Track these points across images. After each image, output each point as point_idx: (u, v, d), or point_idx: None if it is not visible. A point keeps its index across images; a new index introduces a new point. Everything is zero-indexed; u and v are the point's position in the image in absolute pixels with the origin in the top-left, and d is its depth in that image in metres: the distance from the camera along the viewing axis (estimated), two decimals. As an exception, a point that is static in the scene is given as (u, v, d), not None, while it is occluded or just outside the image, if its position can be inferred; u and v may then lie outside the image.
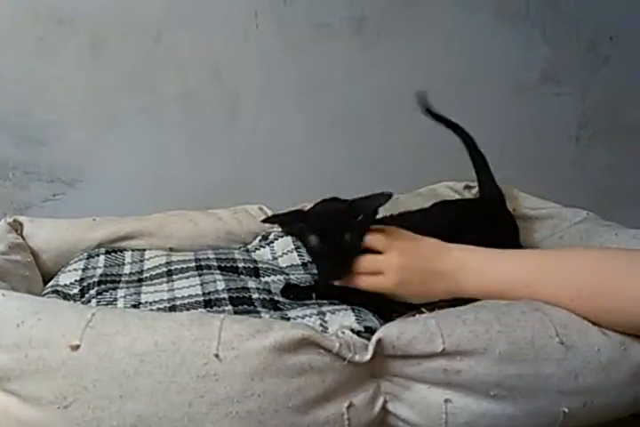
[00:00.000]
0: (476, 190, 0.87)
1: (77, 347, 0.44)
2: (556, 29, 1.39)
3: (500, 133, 1.41)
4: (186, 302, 0.59)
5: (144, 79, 1.26)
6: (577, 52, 1.40)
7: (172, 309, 0.58)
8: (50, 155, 1.25)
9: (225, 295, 0.59)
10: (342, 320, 0.55)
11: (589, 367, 0.47)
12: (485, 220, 0.71)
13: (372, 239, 0.57)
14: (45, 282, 0.73)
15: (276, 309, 0.59)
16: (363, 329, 0.52)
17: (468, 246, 0.56)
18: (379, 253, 0.57)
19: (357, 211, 0.57)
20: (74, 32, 1.21)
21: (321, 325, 0.55)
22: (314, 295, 0.62)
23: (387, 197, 0.57)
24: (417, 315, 0.52)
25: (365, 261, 0.56)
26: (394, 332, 0.48)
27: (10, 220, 0.78)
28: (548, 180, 1.15)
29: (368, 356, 0.47)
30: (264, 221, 0.64)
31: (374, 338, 0.48)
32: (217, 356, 0.44)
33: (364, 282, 0.56)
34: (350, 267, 0.56)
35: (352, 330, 0.52)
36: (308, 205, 0.84)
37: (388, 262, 0.55)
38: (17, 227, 0.78)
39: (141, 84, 1.26)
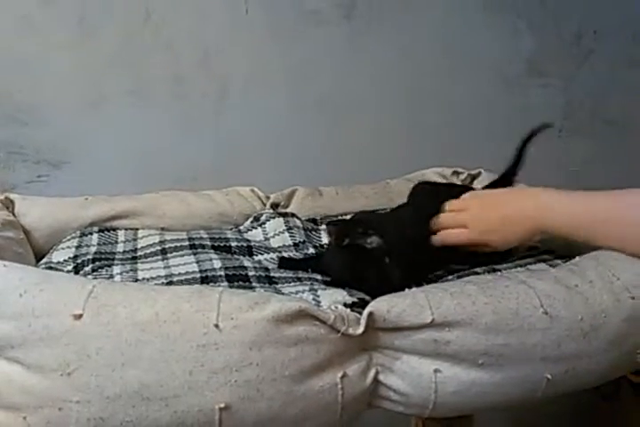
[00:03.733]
0: (464, 176, 0.89)
1: (80, 316, 0.45)
2: (542, 22, 1.41)
3: (485, 123, 1.44)
4: (183, 278, 0.60)
5: (132, 60, 1.25)
6: (562, 44, 1.43)
7: (169, 285, 0.59)
8: (36, 136, 1.23)
9: (222, 273, 0.60)
10: (333, 296, 0.57)
11: (572, 335, 0.49)
12: None
13: (449, 204, 0.63)
14: (37, 260, 0.73)
15: (271, 284, 0.60)
16: (356, 300, 0.54)
17: (549, 189, 0.61)
18: None
19: None
20: (59, 10, 1.19)
21: (314, 299, 0.56)
22: (309, 270, 0.64)
23: None
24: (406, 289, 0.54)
25: (448, 218, 0.62)
26: (384, 305, 0.50)
27: (1, 197, 0.77)
28: (531, 169, 1.18)
29: (361, 329, 0.49)
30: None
31: (366, 311, 0.50)
32: (217, 326, 0.45)
33: (450, 236, 0.62)
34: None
35: (345, 304, 0.53)
36: (299, 188, 0.85)
37: (469, 216, 0.61)
38: (8, 204, 0.78)
39: (129, 64, 1.25)
